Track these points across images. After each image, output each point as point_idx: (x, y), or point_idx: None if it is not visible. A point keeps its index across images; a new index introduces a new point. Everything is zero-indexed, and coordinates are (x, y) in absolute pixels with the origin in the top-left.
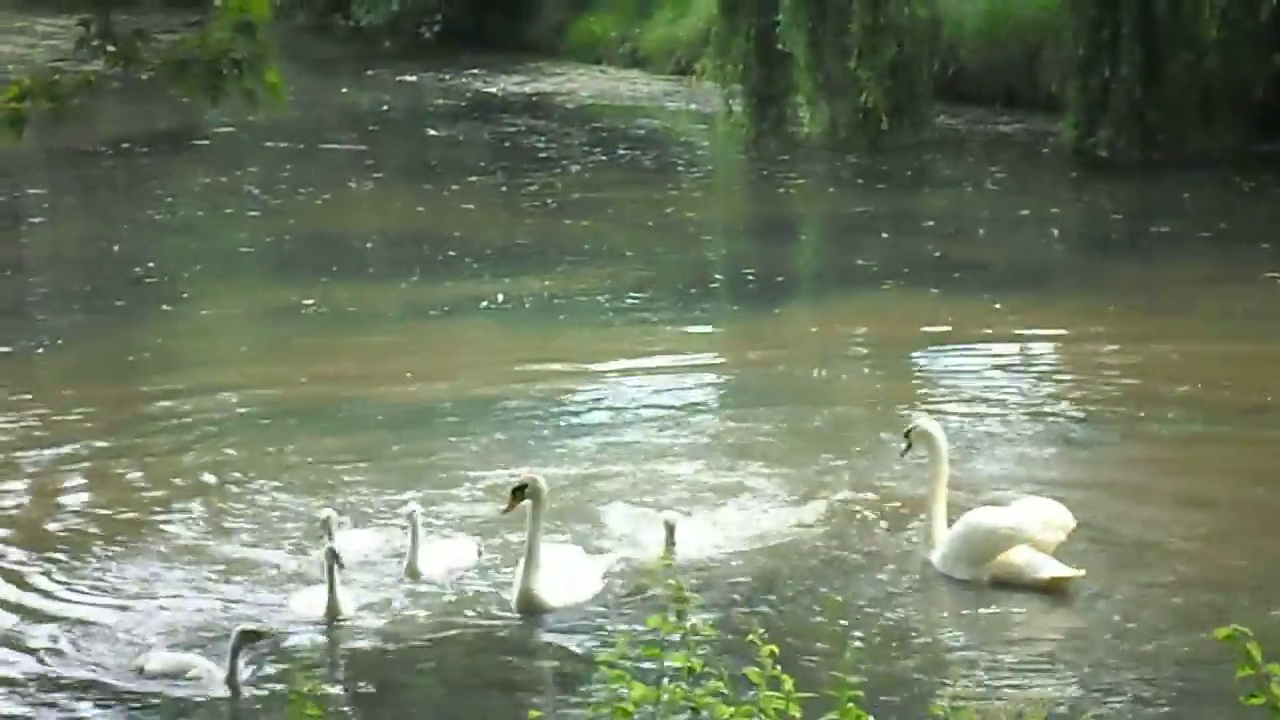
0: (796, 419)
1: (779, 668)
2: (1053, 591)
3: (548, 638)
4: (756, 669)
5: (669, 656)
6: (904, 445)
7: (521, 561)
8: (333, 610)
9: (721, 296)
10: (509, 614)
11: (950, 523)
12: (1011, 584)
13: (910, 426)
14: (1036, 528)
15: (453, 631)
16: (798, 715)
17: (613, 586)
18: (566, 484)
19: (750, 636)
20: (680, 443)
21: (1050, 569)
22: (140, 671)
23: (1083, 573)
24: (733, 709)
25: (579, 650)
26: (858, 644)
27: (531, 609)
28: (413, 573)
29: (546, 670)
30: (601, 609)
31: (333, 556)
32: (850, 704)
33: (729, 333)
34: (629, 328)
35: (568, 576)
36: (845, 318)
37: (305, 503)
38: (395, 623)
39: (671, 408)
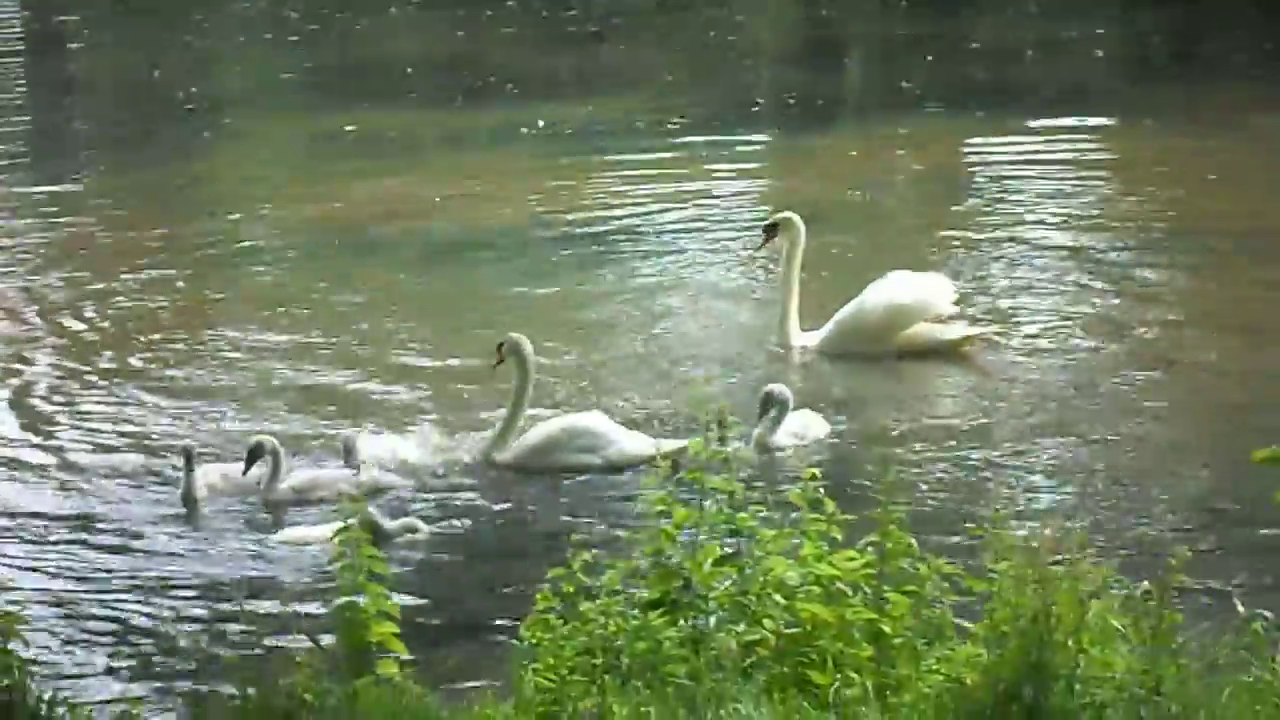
0: (837, 243)
1: (821, 491)
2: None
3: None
4: (799, 491)
5: (711, 480)
6: (764, 237)
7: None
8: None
9: (763, 121)
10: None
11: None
12: (919, 351)
13: (776, 218)
14: (943, 301)
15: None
16: (839, 537)
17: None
18: (611, 313)
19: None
20: (720, 272)
21: (956, 330)
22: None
23: (990, 329)
24: (774, 531)
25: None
26: (899, 469)
27: (496, 465)
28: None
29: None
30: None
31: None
32: (892, 526)
33: (770, 158)
34: (669, 153)
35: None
36: (887, 141)
37: (340, 332)
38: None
39: (711, 233)
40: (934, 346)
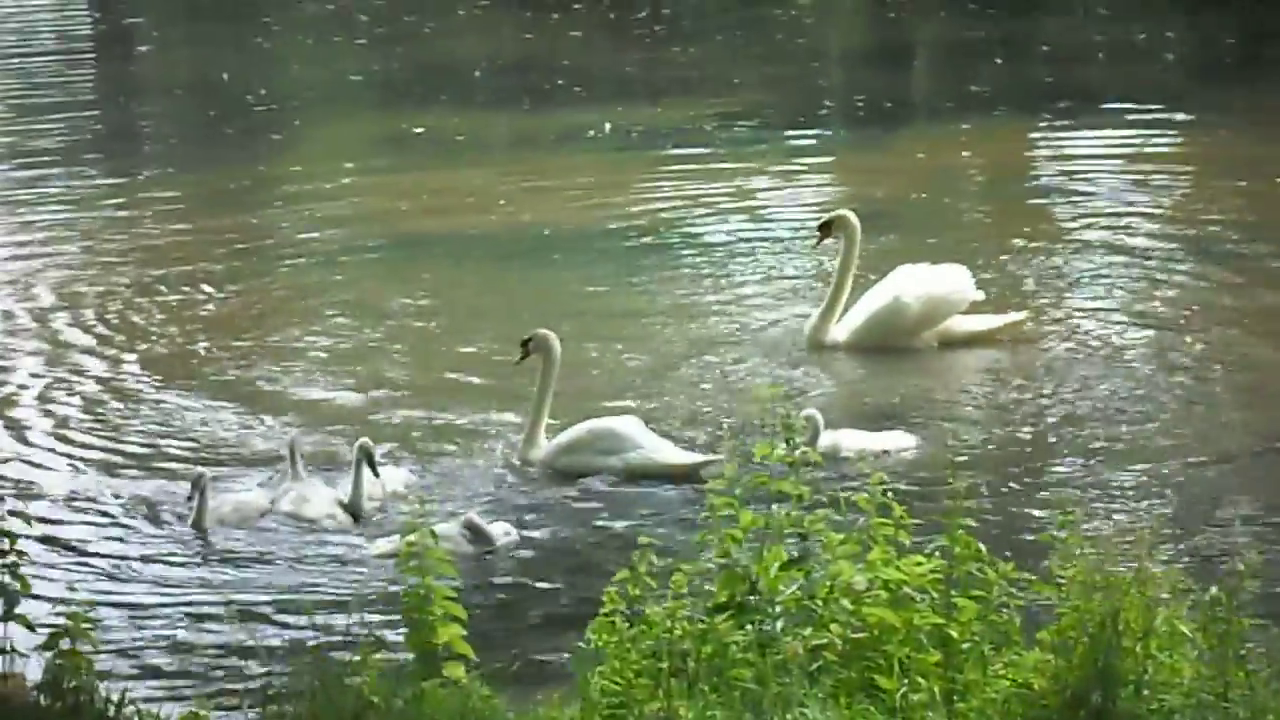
0: (904, 245)
1: (889, 494)
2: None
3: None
4: (866, 495)
5: (777, 484)
6: (819, 236)
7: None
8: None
9: (831, 123)
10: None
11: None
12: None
13: (831, 216)
14: (972, 290)
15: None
16: (907, 542)
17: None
18: (670, 313)
19: (859, 464)
20: (786, 272)
21: (996, 320)
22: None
23: (1024, 315)
24: (842, 535)
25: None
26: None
27: (529, 464)
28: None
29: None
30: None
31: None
32: (960, 530)
33: (838, 160)
34: (736, 155)
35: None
36: (955, 143)
37: (402, 335)
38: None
39: (777, 237)
40: (970, 337)
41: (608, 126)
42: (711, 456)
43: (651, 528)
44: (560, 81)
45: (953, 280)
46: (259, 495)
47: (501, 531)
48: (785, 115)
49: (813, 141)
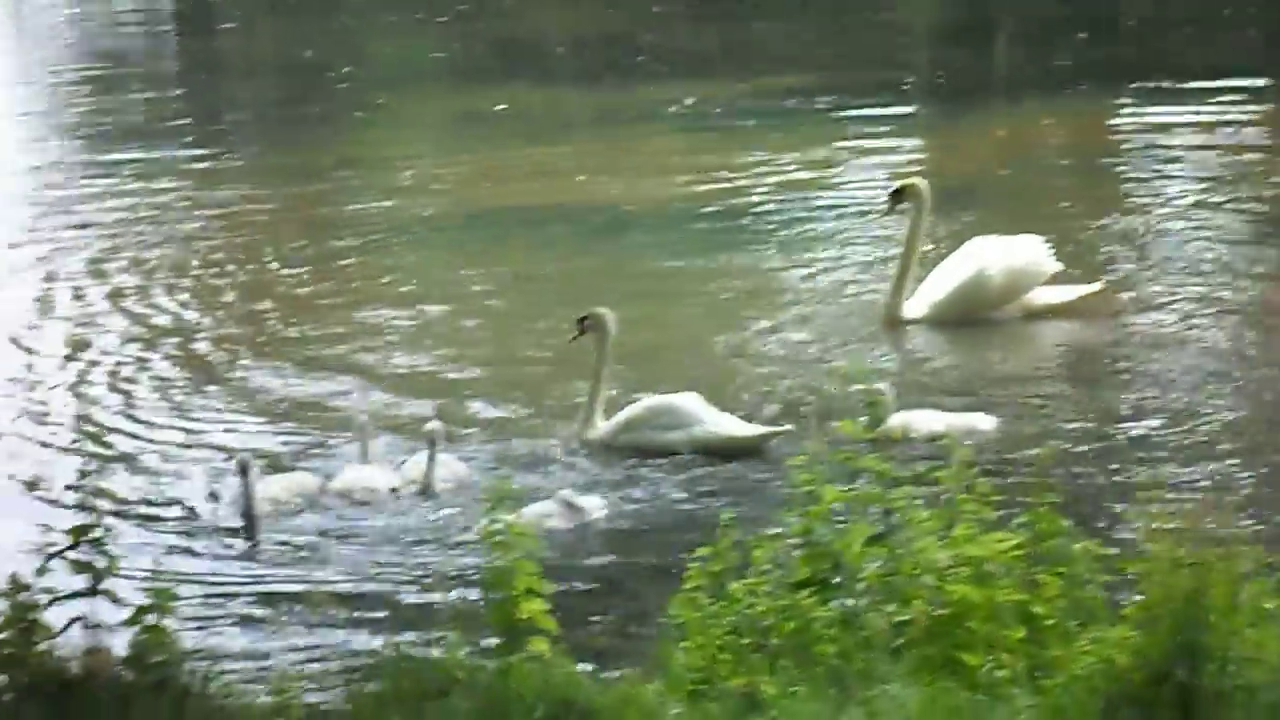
0: (983, 221)
1: (973, 471)
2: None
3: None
4: (951, 472)
5: (862, 461)
6: (890, 203)
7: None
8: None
9: (912, 99)
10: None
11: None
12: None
13: (903, 184)
14: (1051, 262)
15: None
16: (991, 518)
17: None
18: (745, 288)
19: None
20: (862, 248)
21: (1073, 291)
22: None
23: (1099, 286)
24: (926, 512)
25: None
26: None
27: (588, 443)
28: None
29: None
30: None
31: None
32: (1044, 507)
33: (919, 136)
34: (816, 131)
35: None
36: (1037, 120)
37: (480, 312)
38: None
39: (855, 212)
40: (1049, 309)
41: (689, 102)
42: (775, 429)
43: (724, 503)
44: (641, 58)
45: (1032, 251)
46: (307, 476)
47: (595, 506)
48: (866, 90)
49: (893, 117)
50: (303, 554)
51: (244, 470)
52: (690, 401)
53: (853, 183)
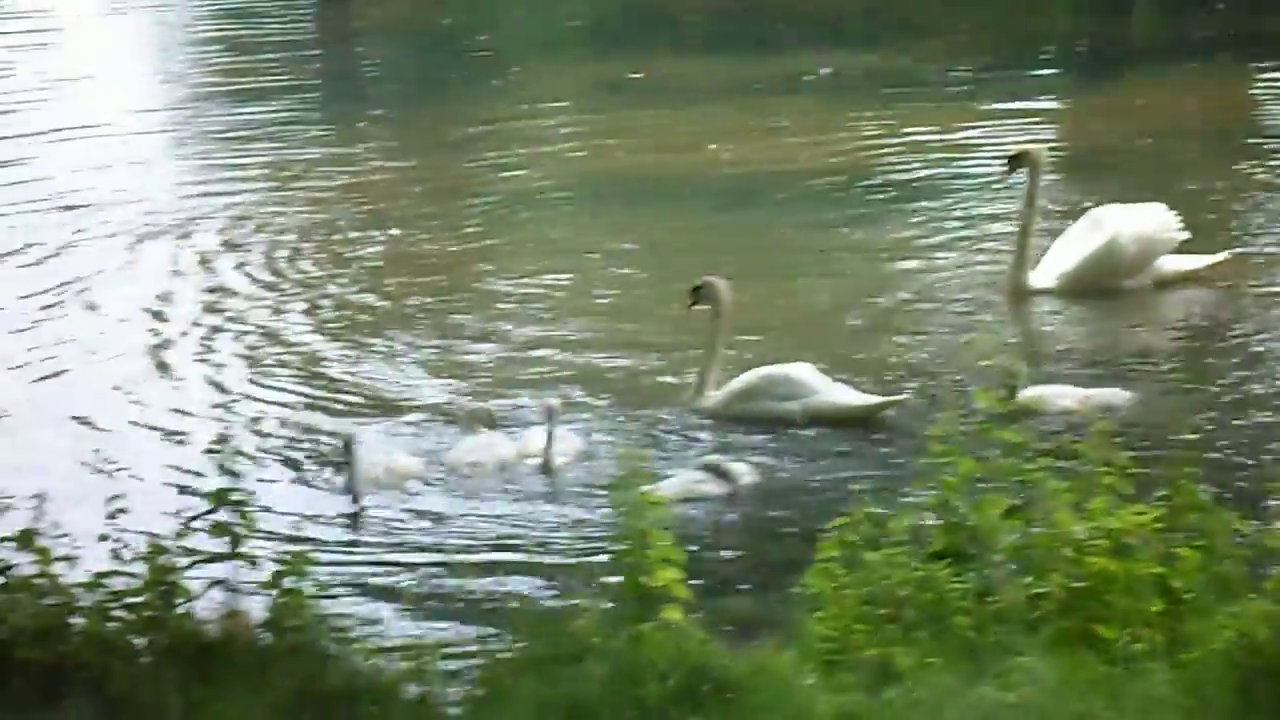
0: (1119, 190)
1: (1111, 443)
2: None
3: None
4: (1088, 444)
5: (999, 433)
6: (1008, 168)
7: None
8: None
9: (1052, 68)
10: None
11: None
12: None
13: (1019, 150)
14: (1178, 230)
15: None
16: (1129, 491)
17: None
18: (879, 256)
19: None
20: (992, 219)
21: (1204, 259)
22: None
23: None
24: (1062, 484)
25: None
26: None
27: (700, 413)
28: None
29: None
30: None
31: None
32: (1183, 480)
33: (1057, 106)
34: (952, 100)
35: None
36: (1176, 90)
37: (613, 282)
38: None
39: (988, 182)
40: (1179, 278)
41: (824, 71)
42: (889, 399)
43: (851, 474)
44: (779, 26)
45: (1160, 218)
46: (408, 457)
47: (744, 472)
48: (1004, 59)
49: (1032, 85)
50: (425, 525)
51: (349, 447)
52: (804, 371)
53: (989, 152)
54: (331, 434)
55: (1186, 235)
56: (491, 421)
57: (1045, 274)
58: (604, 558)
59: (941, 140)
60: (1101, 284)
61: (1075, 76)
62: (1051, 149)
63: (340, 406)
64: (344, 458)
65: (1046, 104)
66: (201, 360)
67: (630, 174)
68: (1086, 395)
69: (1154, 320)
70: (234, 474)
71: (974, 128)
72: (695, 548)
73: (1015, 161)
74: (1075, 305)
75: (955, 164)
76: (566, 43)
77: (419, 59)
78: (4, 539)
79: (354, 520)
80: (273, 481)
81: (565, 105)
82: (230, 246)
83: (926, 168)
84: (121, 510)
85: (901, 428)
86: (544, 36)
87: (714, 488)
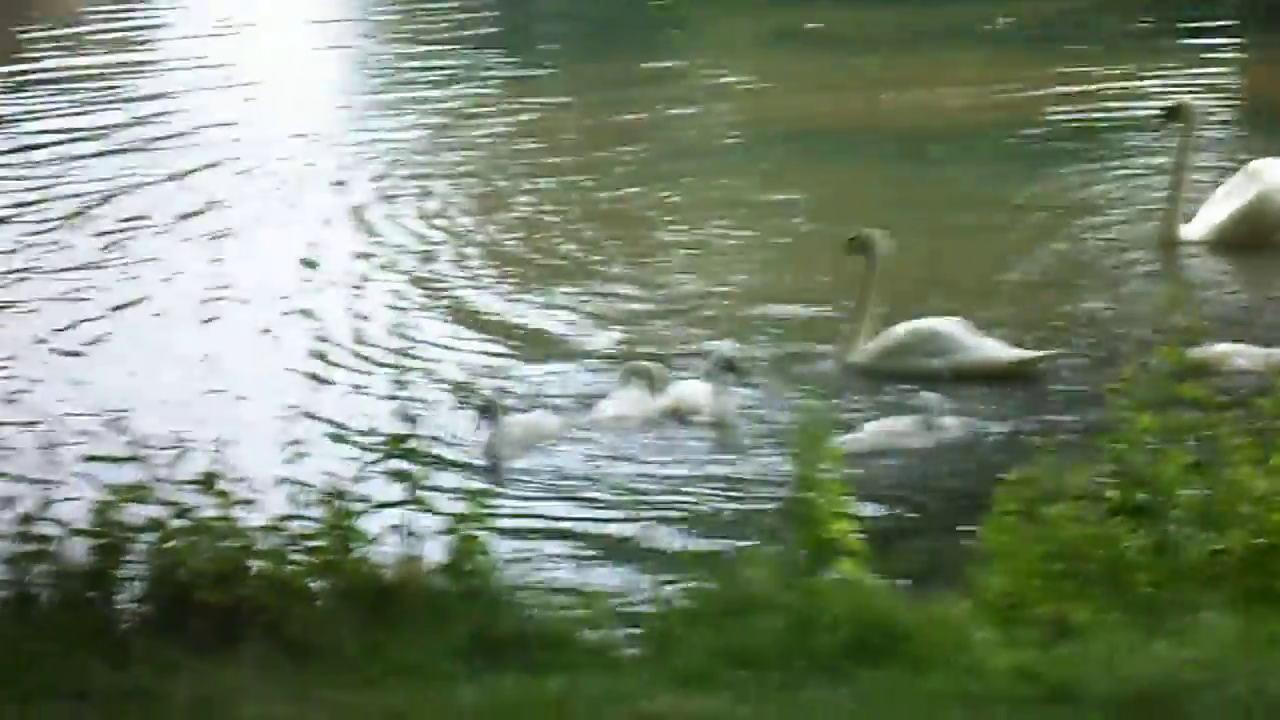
0: None
1: None
2: None
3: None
4: (1272, 401)
5: (1177, 388)
6: (1163, 120)
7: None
8: None
9: (1233, 17)
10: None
11: None
12: None
13: (1173, 103)
14: None
15: None
16: None
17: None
18: (1042, 207)
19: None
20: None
21: None
22: None
23: None
24: (1245, 440)
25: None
26: None
27: (849, 368)
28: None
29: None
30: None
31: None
32: None
33: (1236, 58)
34: (1133, 50)
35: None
36: None
37: (782, 232)
38: None
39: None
40: None
41: (1001, 20)
42: (1039, 353)
43: (1052, 425)
44: None
45: None
46: (548, 416)
47: (956, 422)
48: (1185, 12)
49: (1212, 35)
50: (587, 479)
51: (489, 410)
52: (951, 326)
53: (1161, 103)
54: (481, 392)
55: None
56: (652, 376)
57: (1197, 226)
58: (777, 509)
59: (1117, 89)
60: (1253, 238)
61: (1258, 26)
62: (1225, 101)
63: (502, 357)
64: (486, 420)
65: (1226, 53)
66: (365, 309)
67: (801, 124)
68: (1268, 354)
69: None
70: (410, 420)
71: (1148, 78)
72: (870, 498)
73: (1170, 114)
74: (1224, 258)
75: (1127, 115)
76: None
77: (594, 7)
78: (185, 482)
79: (497, 477)
80: (440, 431)
81: (739, 55)
82: (391, 195)
83: (1098, 119)
84: (300, 455)
85: (1072, 381)
86: None
87: (916, 439)
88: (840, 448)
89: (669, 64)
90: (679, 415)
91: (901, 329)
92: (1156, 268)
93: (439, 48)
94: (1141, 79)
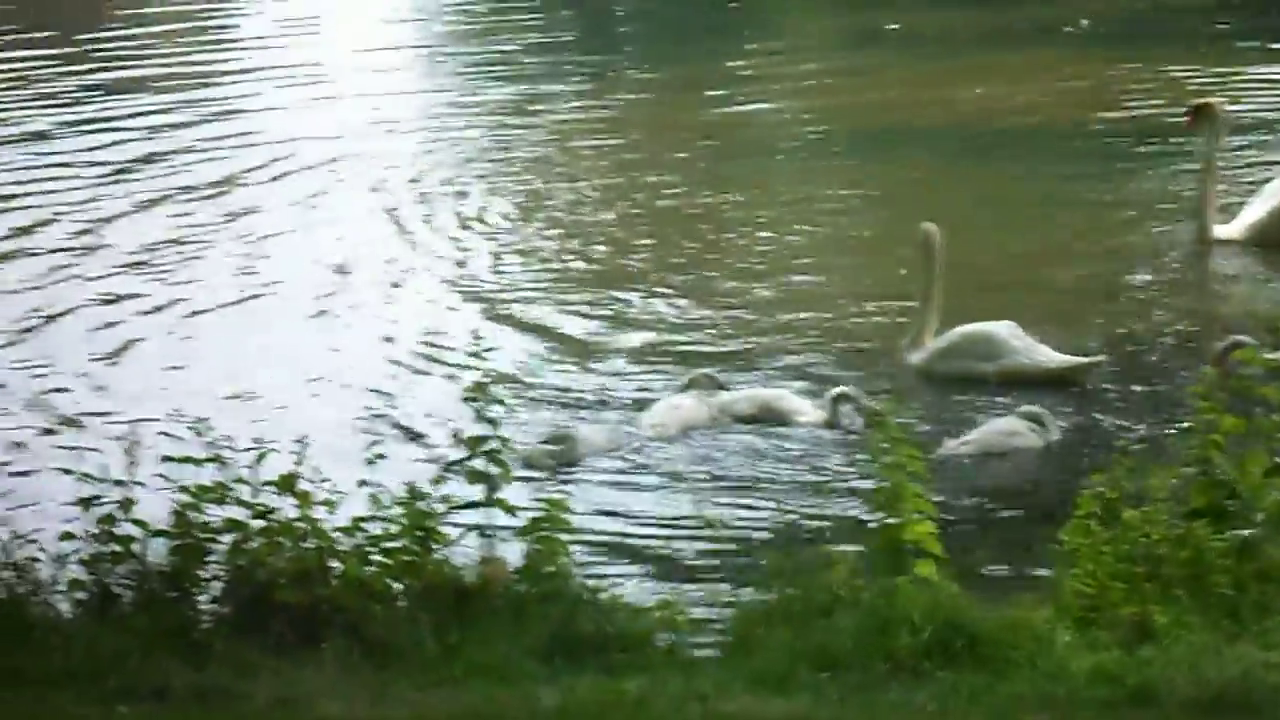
0: None
1: None
2: None
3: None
4: None
5: (1259, 389)
6: (1189, 121)
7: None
8: None
9: None
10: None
11: None
12: None
13: (1200, 103)
14: None
15: None
16: None
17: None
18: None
19: None
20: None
21: None
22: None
23: None
24: None
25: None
26: None
27: (910, 368)
28: None
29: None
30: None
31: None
32: None
33: None
34: (1216, 52)
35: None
36: None
37: (859, 226)
38: None
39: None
40: None
41: (1084, 22)
42: (1088, 359)
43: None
44: None
45: None
46: (608, 429)
47: (1056, 424)
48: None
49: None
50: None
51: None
52: (1003, 330)
53: (1245, 106)
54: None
55: None
56: (713, 383)
57: (1235, 225)
58: (856, 511)
59: (1193, 91)
60: None
61: None
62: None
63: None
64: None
65: None
66: (436, 312)
67: (877, 123)
68: None
69: None
70: (491, 422)
71: (1231, 80)
72: (952, 501)
73: (1197, 114)
74: (1261, 257)
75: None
76: None
77: (674, 8)
78: (266, 483)
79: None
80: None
81: (818, 56)
82: (459, 193)
83: (1171, 121)
84: (379, 456)
85: (1151, 383)
86: None
87: (1024, 440)
88: (935, 449)
89: (747, 64)
90: (739, 419)
91: (956, 332)
92: (1188, 267)
93: (513, 48)
94: (1218, 80)
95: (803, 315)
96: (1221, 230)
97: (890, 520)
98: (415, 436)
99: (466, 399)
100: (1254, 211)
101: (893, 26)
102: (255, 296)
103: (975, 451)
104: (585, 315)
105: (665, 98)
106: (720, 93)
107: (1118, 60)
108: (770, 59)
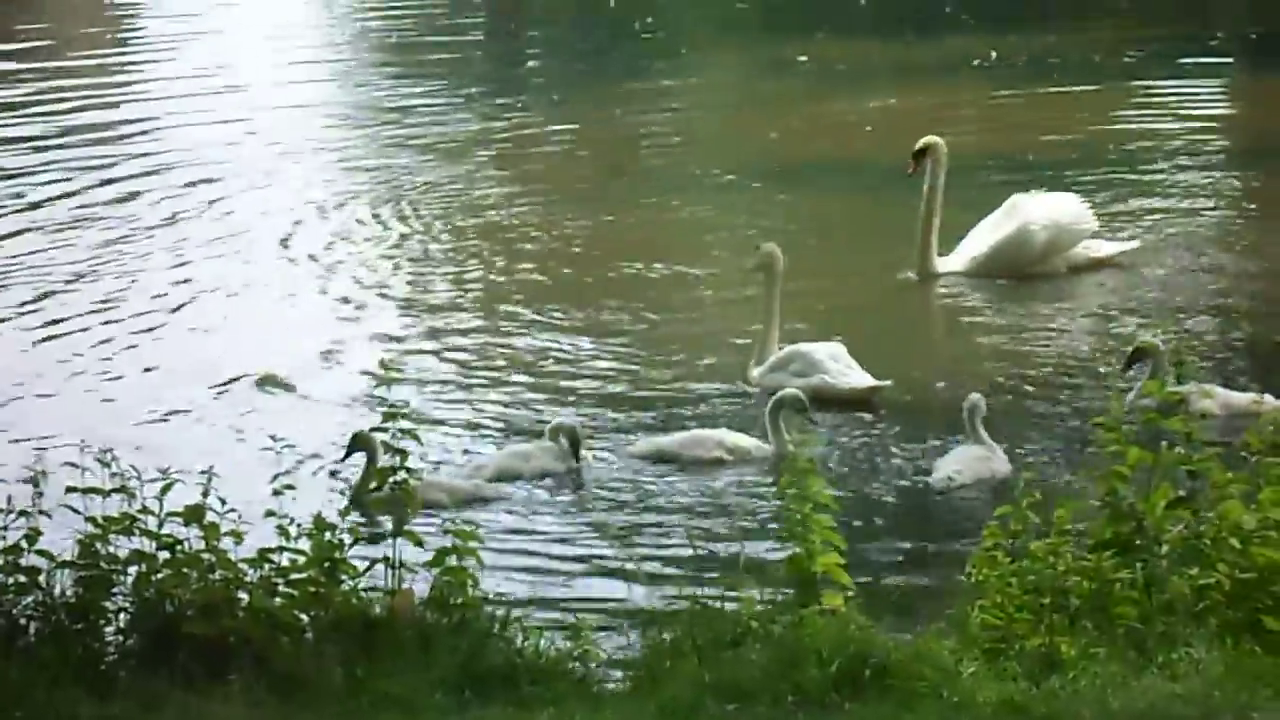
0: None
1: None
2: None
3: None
4: (1257, 434)
5: (1164, 421)
6: (912, 160)
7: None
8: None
9: (1223, 54)
10: None
11: None
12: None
13: (923, 142)
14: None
15: None
16: None
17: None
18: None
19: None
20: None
21: (1108, 248)
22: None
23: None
24: (1231, 474)
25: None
26: None
27: (751, 385)
28: None
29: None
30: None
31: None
32: None
33: (1226, 92)
34: (1122, 86)
35: None
36: None
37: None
38: None
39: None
40: (1085, 265)
41: (994, 55)
42: (882, 382)
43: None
44: (947, 10)
45: (1073, 208)
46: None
47: (1003, 459)
48: (1175, 45)
49: (1201, 72)
50: (600, 504)
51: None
52: (822, 350)
53: (1156, 139)
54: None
55: (1097, 225)
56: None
57: (957, 258)
58: (763, 544)
59: (1103, 126)
60: (1010, 270)
61: (1247, 63)
62: (1212, 135)
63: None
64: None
65: (1216, 90)
66: (373, 339)
67: (790, 158)
68: (1228, 396)
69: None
70: (400, 453)
71: (1140, 116)
72: (855, 533)
73: (919, 155)
74: (982, 290)
75: (1121, 151)
76: (733, 25)
77: (585, 42)
78: (172, 514)
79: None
80: (435, 463)
81: (730, 89)
82: (387, 221)
83: (1092, 154)
84: (287, 486)
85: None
86: (711, 19)
87: (972, 474)
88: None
89: (658, 96)
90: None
91: (788, 349)
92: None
93: (428, 80)
94: (1127, 116)
95: (673, 350)
96: (943, 263)
97: (798, 550)
98: (326, 468)
99: (375, 429)
100: (976, 245)
101: (801, 59)
102: (160, 325)
103: (964, 480)
104: (465, 350)
105: (577, 132)
106: (634, 126)
107: (1025, 94)
108: (682, 92)
